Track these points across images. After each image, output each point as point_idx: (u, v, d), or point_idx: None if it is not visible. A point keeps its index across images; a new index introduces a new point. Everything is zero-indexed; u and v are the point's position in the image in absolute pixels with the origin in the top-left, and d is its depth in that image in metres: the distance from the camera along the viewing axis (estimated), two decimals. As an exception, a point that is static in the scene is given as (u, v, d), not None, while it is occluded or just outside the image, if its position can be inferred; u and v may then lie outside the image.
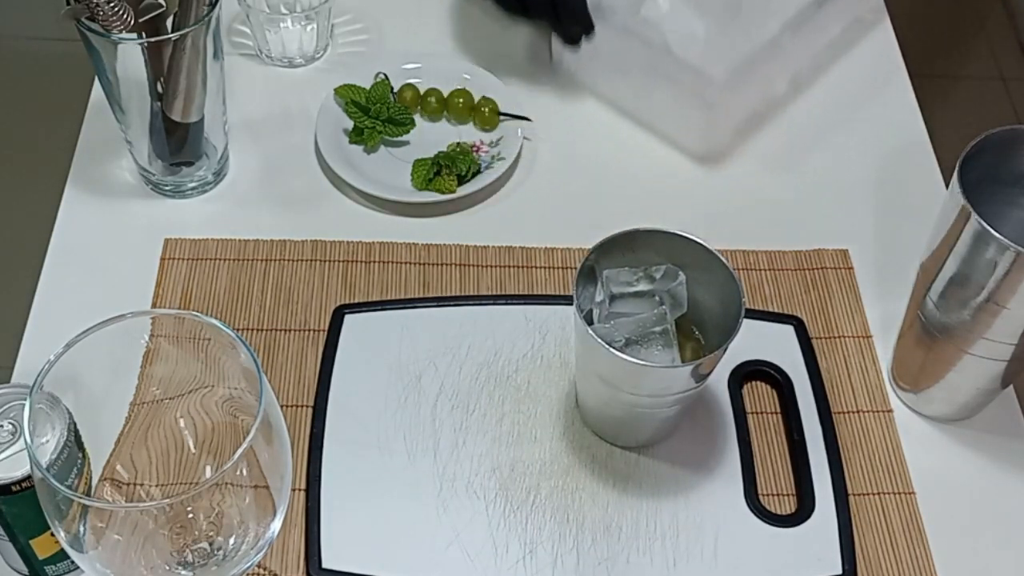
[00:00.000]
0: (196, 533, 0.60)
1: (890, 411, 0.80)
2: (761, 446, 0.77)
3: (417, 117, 0.94)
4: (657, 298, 0.74)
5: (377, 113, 0.92)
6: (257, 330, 0.82)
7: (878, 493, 0.76)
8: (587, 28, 0.92)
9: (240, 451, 0.54)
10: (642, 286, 0.74)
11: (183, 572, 0.61)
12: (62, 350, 0.57)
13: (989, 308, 0.69)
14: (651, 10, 0.95)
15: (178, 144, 0.86)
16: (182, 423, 0.65)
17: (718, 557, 0.72)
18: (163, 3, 0.78)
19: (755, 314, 0.83)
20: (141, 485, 0.65)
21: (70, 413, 0.61)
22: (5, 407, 0.66)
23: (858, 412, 0.80)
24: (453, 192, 0.88)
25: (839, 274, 0.87)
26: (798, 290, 0.86)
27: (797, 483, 0.76)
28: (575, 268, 0.72)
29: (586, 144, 0.95)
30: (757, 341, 0.81)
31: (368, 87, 0.94)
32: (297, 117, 0.95)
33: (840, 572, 0.72)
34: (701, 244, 0.72)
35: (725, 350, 0.70)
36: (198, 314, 0.60)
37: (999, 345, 0.71)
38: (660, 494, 0.75)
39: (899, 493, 0.76)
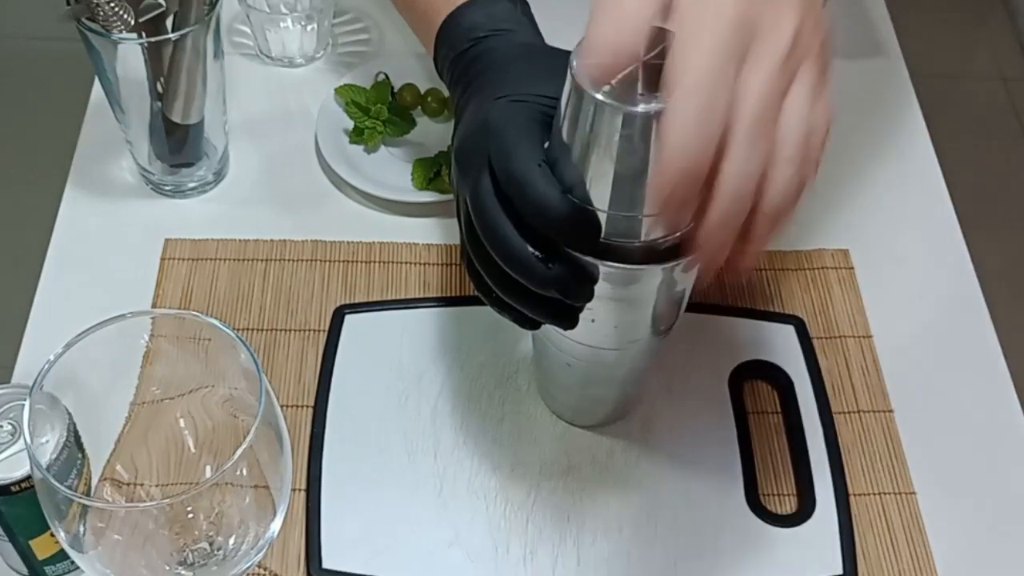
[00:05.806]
0: (196, 533, 0.60)
1: (890, 411, 0.80)
2: (761, 446, 0.77)
3: (417, 117, 0.94)
4: None
5: (377, 113, 0.92)
6: (257, 330, 0.82)
7: (878, 493, 0.76)
8: None
9: (240, 451, 0.54)
10: None
11: (183, 572, 0.61)
12: (62, 350, 0.57)
13: None
14: None
15: (178, 145, 0.86)
16: (182, 423, 0.65)
17: (718, 557, 0.72)
18: (163, 3, 0.78)
19: (755, 314, 0.83)
20: (141, 485, 0.65)
21: (70, 413, 0.61)
22: (5, 407, 0.66)
23: (858, 412, 0.80)
24: (453, 192, 0.88)
25: (839, 274, 0.87)
26: (798, 290, 0.86)
27: (797, 483, 0.76)
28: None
29: (586, 144, 0.95)
30: (757, 341, 0.81)
31: (368, 87, 0.94)
32: (297, 117, 0.95)
33: (840, 572, 0.72)
34: None
35: None
36: (198, 314, 0.59)
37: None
38: (660, 494, 0.75)
39: (899, 493, 0.76)
